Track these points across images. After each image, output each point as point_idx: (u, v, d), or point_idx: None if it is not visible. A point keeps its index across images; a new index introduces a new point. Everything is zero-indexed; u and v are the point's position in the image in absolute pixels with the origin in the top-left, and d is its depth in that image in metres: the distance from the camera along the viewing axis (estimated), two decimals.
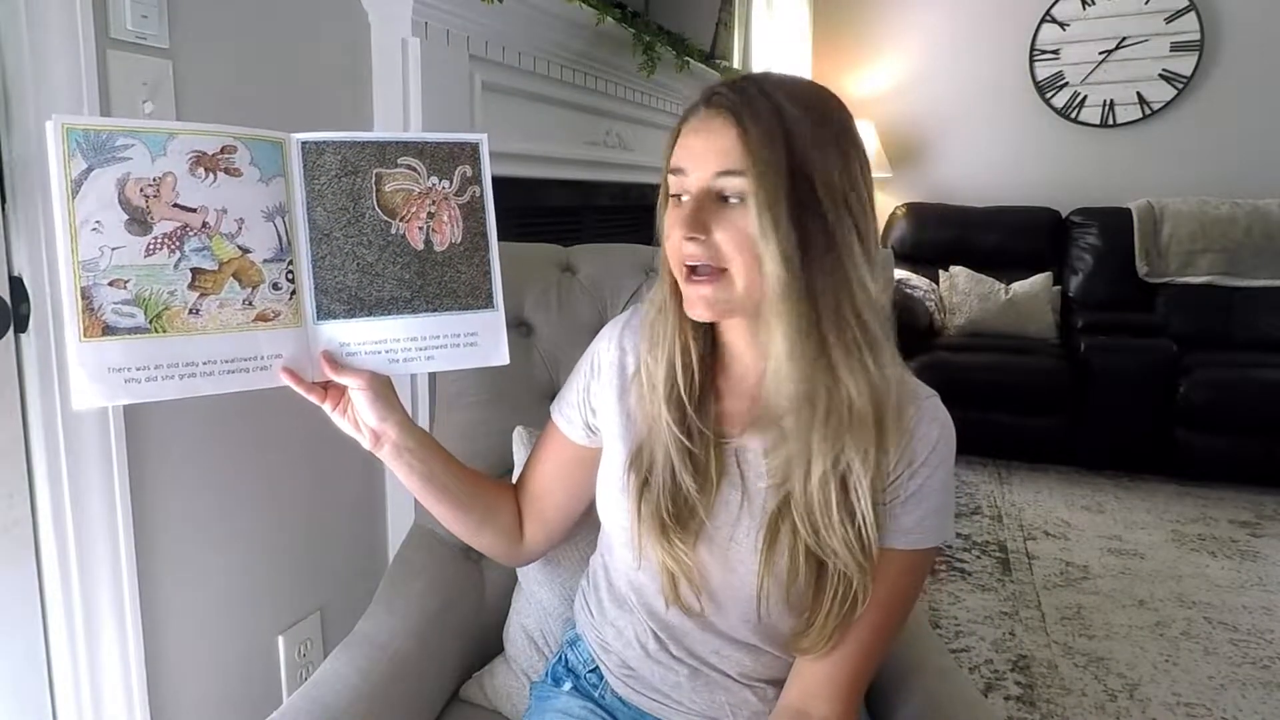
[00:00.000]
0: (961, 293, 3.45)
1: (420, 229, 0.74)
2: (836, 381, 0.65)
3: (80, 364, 0.61)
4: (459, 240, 0.76)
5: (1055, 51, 3.73)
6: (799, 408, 0.66)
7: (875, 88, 4.03)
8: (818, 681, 0.71)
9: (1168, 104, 3.59)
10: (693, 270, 0.68)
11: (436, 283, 0.75)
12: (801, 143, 0.63)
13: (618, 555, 0.80)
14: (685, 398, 0.72)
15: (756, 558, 0.70)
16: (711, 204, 0.66)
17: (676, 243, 0.68)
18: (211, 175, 0.66)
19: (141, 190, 0.63)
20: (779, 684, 0.76)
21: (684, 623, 0.77)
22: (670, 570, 0.71)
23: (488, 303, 0.78)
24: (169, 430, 1.02)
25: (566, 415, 0.85)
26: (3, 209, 0.84)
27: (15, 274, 0.86)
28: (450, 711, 0.97)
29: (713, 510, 0.72)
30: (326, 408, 0.74)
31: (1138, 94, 3.63)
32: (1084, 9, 3.66)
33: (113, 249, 0.62)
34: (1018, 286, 3.41)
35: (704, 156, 0.66)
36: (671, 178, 0.69)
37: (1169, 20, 3.53)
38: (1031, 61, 3.78)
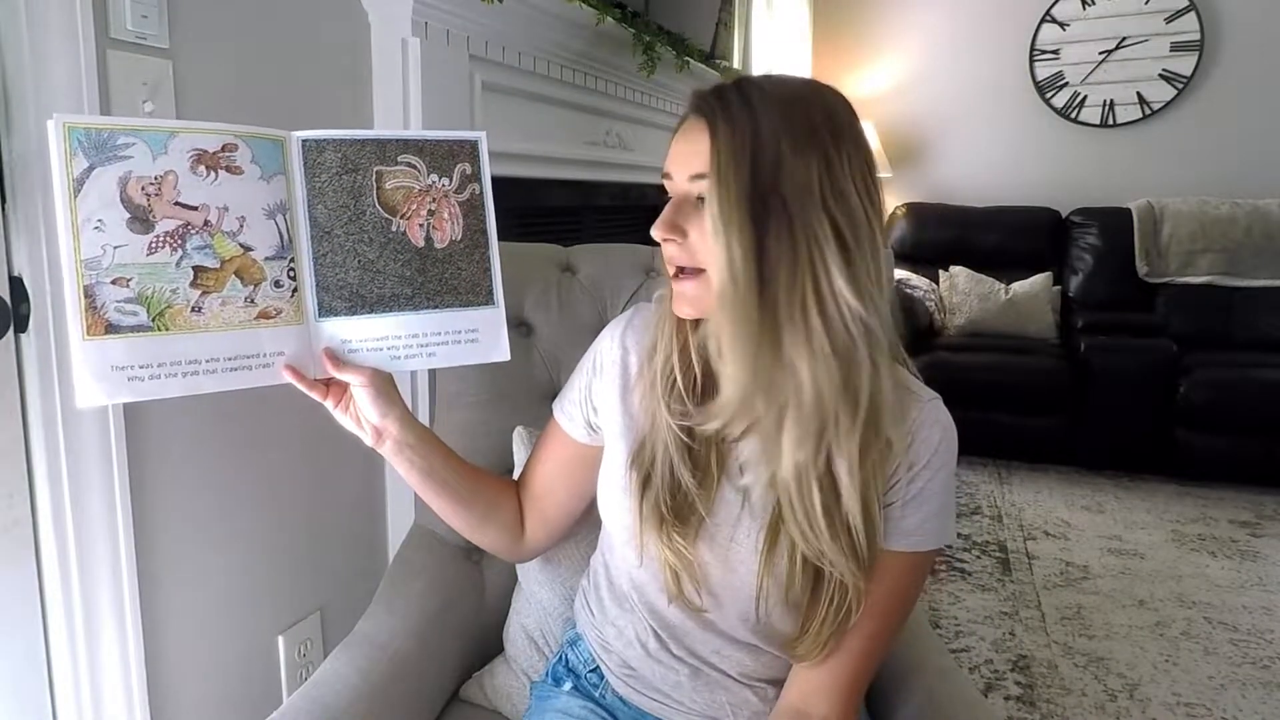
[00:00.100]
0: (961, 293, 3.45)
1: (421, 226, 0.75)
2: (799, 385, 0.64)
3: (83, 362, 0.61)
4: (459, 237, 0.76)
5: (1055, 51, 3.74)
6: (753, 407, 0.66)
7: (875, 88, 4.03)
8: (818, 681, 0.72)
9: (1168, 104, 3.59)
10: (680, 270, 0.69)
11: (437, 280, 0.75)
12: (772, 146, 0.62)
13: (619, 554, 0.80)
14: (685, 394, 0.72)
15: (757, 558, 0.70)
16: (689, 206, 0.67)
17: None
18: (213, 173, 0.66)
19: (143, 189, 0.63)
20: (779, 684, 0.76)
21: (684, 622, 0.77)
22: (672, 565, 0.71)
23: (488, 299, 0.78)
24: (169, 430, 1.02)
25: (568, 413, 0.85)
26: (3, 209, 0.84)
27: (15, 274, 0.86)
28: (450, 711, 0.97)
29: (713, 508, 0.72)
30: (328, 405, 0.74)
31: (1138, 94, 3.63)
32: (1084, 9, 3.66)
33: (115, 247, 0.62)
34: (1018, 286, 3.41)
35: (682, 160, 0.68)
36: (665, 181, 0.71)
37: (1169, 20, 3.53)
38: (1031, 61, 3.78)
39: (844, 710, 0.71)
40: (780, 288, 0.63)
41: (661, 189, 0.72)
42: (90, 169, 0.61)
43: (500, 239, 0.80)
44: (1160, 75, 3.58)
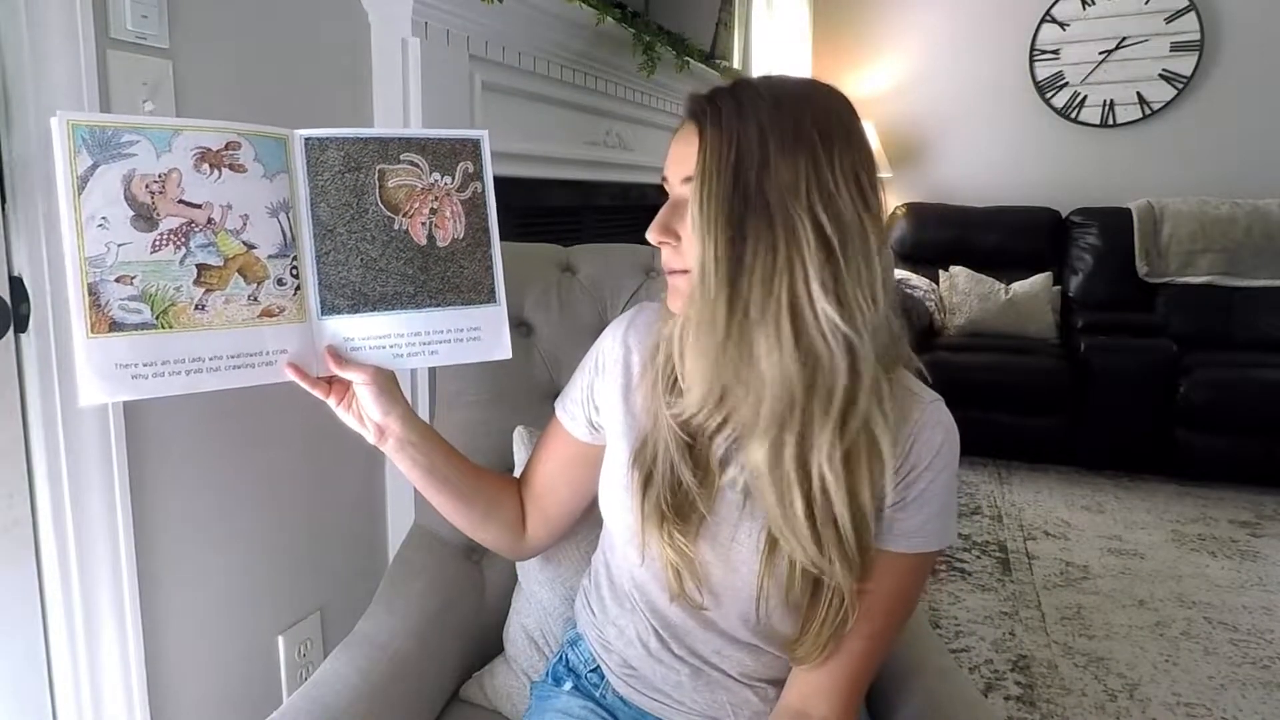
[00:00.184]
0: (961, 293, 3.45)
1: (423, 224, 0.75)
2: (763, 383, 0.64)
3: (87, 360, 0.61)
4: (461, 236, 0.77)
5: (1055, 51, 3.74)
6: (720, 402, 0.67)
7: (875, 88, 4.03)
8: (818, 682, 0.72)
9: (1168, 104, 3.59)
10: (674, 269, 0.70)
11: (439, 278, 0.76)
12: (758, 147, 0.62)
13: (620, 553, 0.80)
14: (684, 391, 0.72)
15: (758, 559, 0.70)
16: (683, 209, 0.68)
17: None
18: (216, 171, 0.66)
19: (147, 186, 0.63)
20: (780, 684, 0.76)
21: (686, 621, 0.77)
22: (673, 563, 0.72)
23: (490, 297, 0.78)
24: (169, 430, 1.02)
25: (570, 412, 0.85)
26: (3, 209, 0.84)
27: (15, 274, 0.86)
28: (450, 711, 0.97)
29: (714, 506, 0.72)
30: (331, 402, 0.75)
31: (1138, 94, 3.63)
32: (1084, 9, 3.66)
33: (119, 245, 0.62)
34: (1018, 286, 3.41)
35: (676, 163, 0.69)
36: (663, 184, 0.72)
37: (1169, 20, 3.53)
38: (1031, 61, 3.78)
39: (844, 711, 0.71)
40: (755, 288, 0.63)
41: (661, 189, 0.72)
42: (94, 166, 0.62)
43: (501, 239, 0.80)
44: (1160, 75, 3.58)
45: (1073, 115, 3.75)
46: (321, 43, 1.20)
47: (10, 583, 0.89)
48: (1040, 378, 3.01)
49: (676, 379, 0.72)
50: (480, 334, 0.78)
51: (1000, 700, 1.70)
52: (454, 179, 0.76)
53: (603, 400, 0.81)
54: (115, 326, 0.62)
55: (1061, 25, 3.71)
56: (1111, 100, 3.67)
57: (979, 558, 2.37)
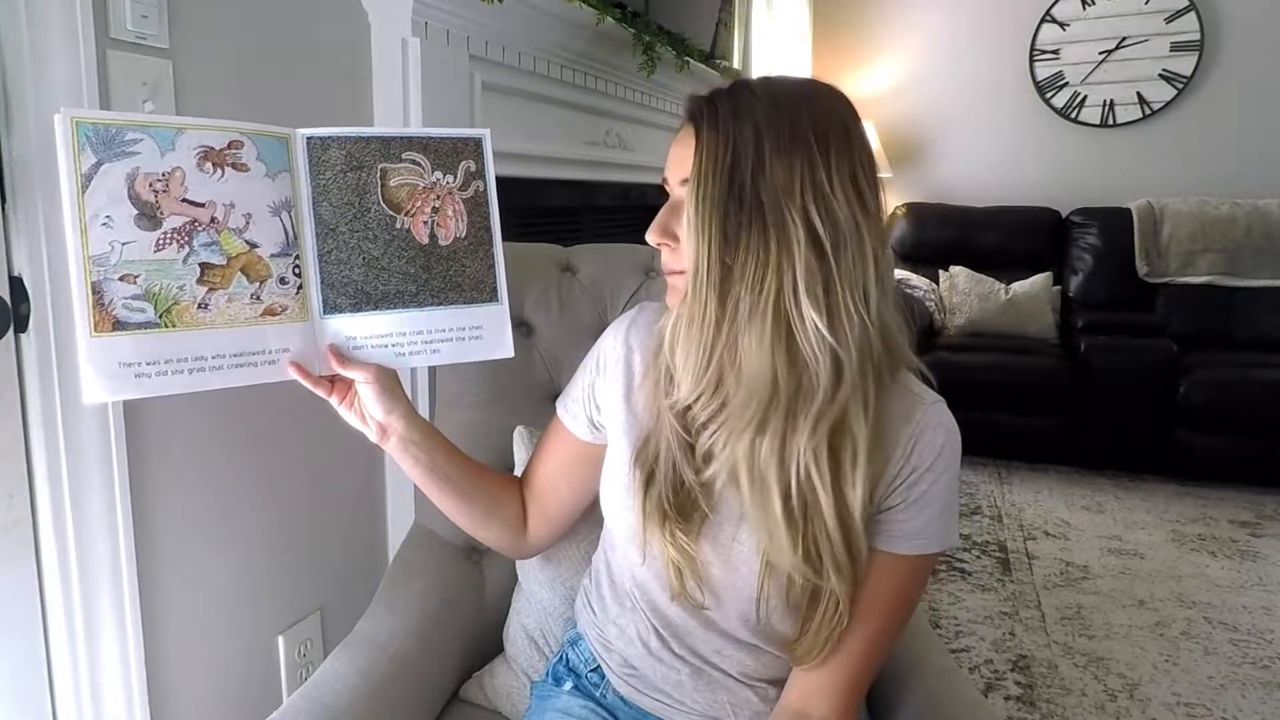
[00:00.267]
0: (961, 293, 3.45)
1: (425, 223, 0.75)
2: (744, 379, 0.65)
3: (90, 359, 0.61)
4: (463, 234, 0.77)
5: (1055, 51, 3.73)
6: (707, 397, 0.68)
7: (875, 88, 4.03)
8: (818, 682, 0.72)
9: (1168, 104, 3.59)
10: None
11: (441, 277, 0.76)
12: (754, 148, 0.63)
13: (621, 552, 0.80)
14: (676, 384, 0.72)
15: (758, 559, 0.70)
16: (681, 209, 0.68)
17: None
18: (219, 170, 0.66)
19: (150, 185, 0.63)
20: (780, 684, 0.76)
21: (686, 620, 0.77)
22: (675, 562, 0.72)
23: (492, 296, 0.78)
24: (169, 430, 1.02)
25: (571, 411, 0.85)
26: (3, 209, 0.84)
27: (15, 274, 0.86)
28: (450, 711, 0.97)
29: (715, 506, 0.72)
30: (333, 401, 0.75)
31: (1138, 94, 3.63)
32: (1084, 9, 3.66)
33: (123, 244, 0.62)
34: (1018, 286, 3.41)
35: (674, 165, 0.70)
36: (664, 185, 0.72)
37: (1169, 20, 3.53)
38: (1031, 61, 3.78)
39: (844, 711, 0.71)
40: (745, 289, 0.63)
41: (662, 190, 0.73)
42: (98, 164, 0.62)
43: (501, 238, 0.80)
44: (1160, 75, 3.58)
45: (1073, 115, 3.75)
46: (321, 43, 1.20)
47: (10, 583, 0.89)
48: (1040, 378, 3.01)
49: (672, 375, 0.73)
50: (482, 333, 0.78)
51: (1000, 700, 1.70)
52: (456, 178, 0.76)
53: (604, 399, 0.81)
54: (119, 325, 0.62)
55: (1061, 25, 3.71)
56: (1111, 100, 3.67)
57: (979, 558, 2.37)
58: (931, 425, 0.70)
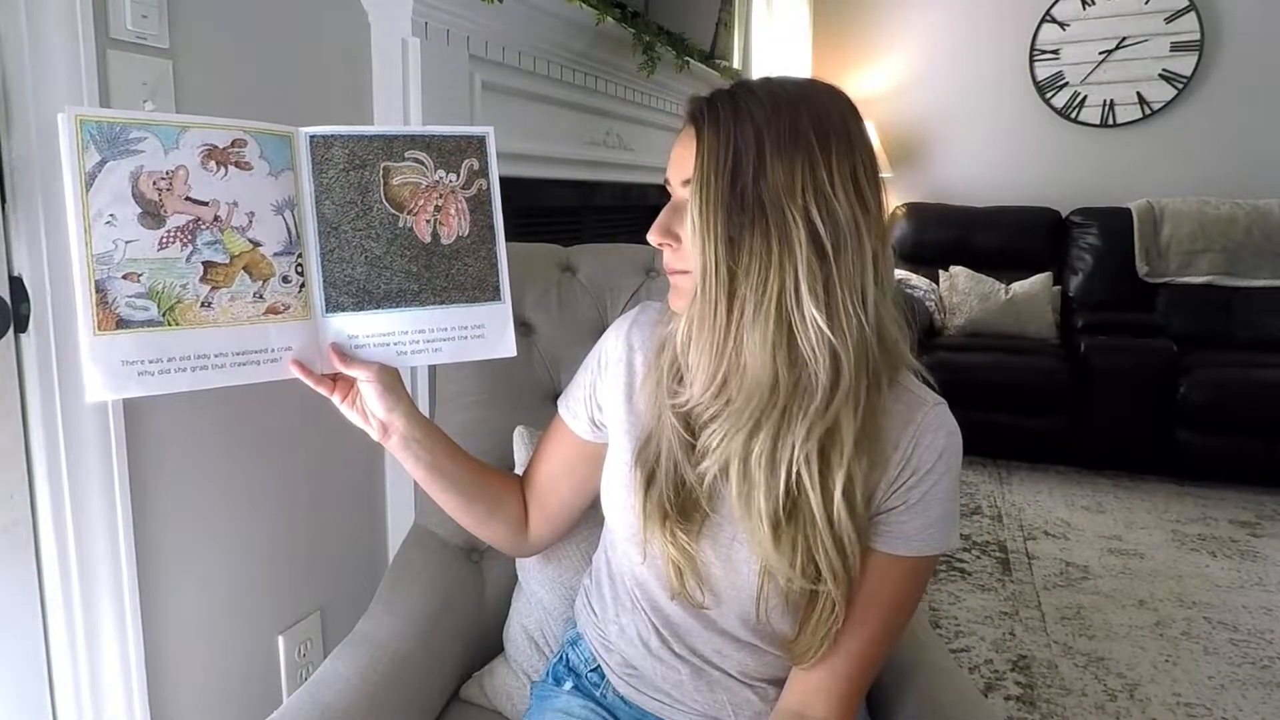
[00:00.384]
0: (961, 293, 3.45)
1: (427, 222, 0.75)
2: (747, 379, 0.65)
3: (93, 357, 0.62)
4: (466, 233, 0.77)
5: (1055, 51, 3.73)
6: (716, 397, 0.68)
7: (875, 88, 4.03)
8: (817, 683, 0.72)
9: (1168, 104, 3.59)
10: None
11: (443, 275, 0.76)
12: (755, 149, 0.63)
13: (621, 551, 0.80)
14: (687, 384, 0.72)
15: (758, 559, 0.70)
16: (683, 211, 0.68)
17: None
18: (223, 169, 0.66)
19: (154, 183, 0.63)
20: (780, 683, 0.76)
21: (686, 620, 0.77)
22: (675, 561, 0.72)
23: (494, 295, 0.78)
24: (169, 430, 1.02)
25: (573, 410, 0.85)
26: (3, 209, 0.84)
27: (15, 274, 0.86)
28: (450, 711, 0.97)
29: (716, 505, 0.72)
30: (335, 399, 0.75)
31: (1138, 94, 3.63)
32: (1084, 9, 3.66)
33: (126, 242, 0.62)
34: (1018, 286, 3.41)
35: (676, 166, 0.70)
36: (666, 186, 0.72)
37: (1169, 20, 3.53)
38: (1031, 61, 3.78)
39: (843, 712, 0.71)
40: (750, 289, 0.64)
41: (663, 189, 0.73)
42: (102, 163, 0.62)
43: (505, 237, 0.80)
44: (1160, 75, 3.58)
45: (1073, 115, 3.75)
46: (321, 43, 1.20)
47: (10, 583, 0.89)
48: (1040, 378, 3.01)
49: (682, 376, 0.73)
50: (484, 331, 0.78)
51: (1000, 700, 1.70)
52: (459, 176, 0.76)
53: (605, 399, 0.81)
54: (122, 324, 0.62)
55: (1061, 25, 3.71)
56: (1111, 100, 3.67)
57: (979, 558, 2.37)
58: (932, 427, 0.70)
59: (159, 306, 0.64)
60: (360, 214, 0.72)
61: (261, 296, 0.68)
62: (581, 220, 2.03)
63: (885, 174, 3.89)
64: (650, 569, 0.77)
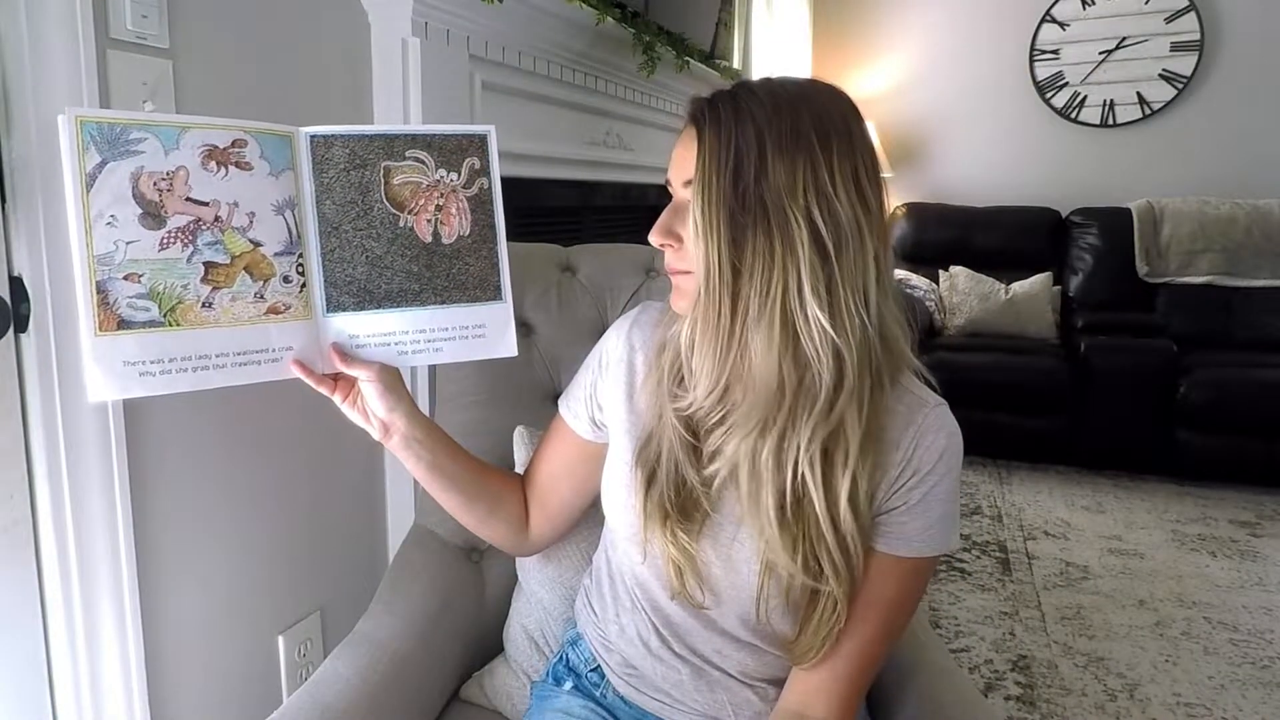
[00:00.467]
0: (961, 293, 3.45)
1: (428, 222, 0.75)
2: (755, 379, 0.65)
3: (94, 358, 0.62)
4: (467, 233, 0.77)
5: (1055, 51, 3.73)
6: (723, 399, 0.68)
7: (875, 88, 4.03)
8: (817, 683, 0.72)
9: (1168, 104, 3.59)
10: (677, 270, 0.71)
11: (444, 275, 0.76)
12: (756, 150, 0.63)
13: (621, 550, 0.80)
14: (688, 386, 0.72)
15: (759, 559, 0.70)
16: (685, 212, 0.68)
17: None
18: (223, 169, 0.66)
19: (155, 184, 0.63)
20: (780, 683, 0.76)
21: (686, 620, 0.77)
22: (675, 560, 0.72)
23: (496, 295, 0.78)
24: (169, 430, 1.02)
25: (574, 410, 0.85)
26: (3, 209, 0.84)
27: (15, 274, 0.86)
28: (450, 711, 0.97)
29: (717, 505, 0.72)
30: (336, 399, 0.75)
31: (1138, 94, 3.63)
32: (1084, 9, 3.66)
33: (127, 243, 0.63)
34: (1018, 286, 3.41)
35: (677, 166, 0.70)
36: (668, 186, 0.72)
37: (1169, 20, 3.53)
38: (1031, 61, 3.78)
39: (842, 712, 0.71)
40: (754, 290, 0.64)
41: (664, 190, 0.73)
42: (103, 164, 0.62)
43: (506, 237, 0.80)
44: (1160, 75, 3.58)
45: (1073, 115, 3.75)
46: (321, 43, 1.20)
47: (10, 583, 0.89)
48: (1040, 378, 3.01)
49: (683, 377, 0.73)
50: (485, 331, 0.78)
51: (1000, 700, 1.70)
52: (460, 175, 0.76)
53: (606, 398, 0.81)
54: (123, 324, 0.62)
55: (1061, 25, 3.71)
56: (1111, 100, 3.67)
57: (979, 558, 2.37)
58: (933, 428, 0.70)
59: (160, 307, 0.64)
60: (361, 214, 0.73)
61: (262, 296, 0.68)
62: (581, 220, 2.03)
63: (885, 174, 3.88)
64: (650, 569, 0.77)
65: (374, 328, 0.73)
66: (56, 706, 0.95)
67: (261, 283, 0.68)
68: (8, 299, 0.85)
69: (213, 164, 0.66)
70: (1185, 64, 3.54)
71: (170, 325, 0.64)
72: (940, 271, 3.56)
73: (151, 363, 0.64)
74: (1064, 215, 3.59)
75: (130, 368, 0.63)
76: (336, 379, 0.74)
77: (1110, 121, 3.69)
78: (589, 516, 0.91)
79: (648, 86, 2.17)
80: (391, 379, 0.76)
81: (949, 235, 3.67)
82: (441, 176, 0.75)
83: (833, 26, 4.02)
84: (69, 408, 0.89)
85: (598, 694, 0.85)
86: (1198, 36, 3.50)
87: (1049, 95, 3.77)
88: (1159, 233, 3.37)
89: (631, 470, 0.75)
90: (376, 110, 1.31)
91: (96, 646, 0.96)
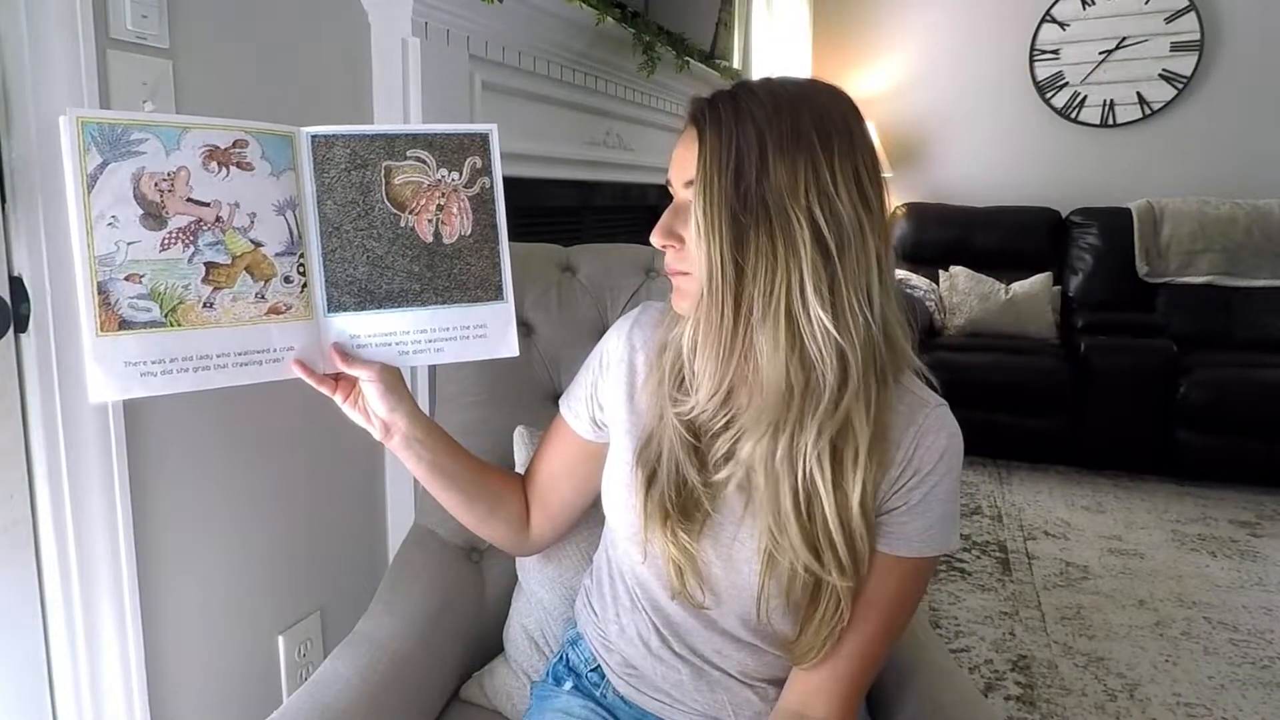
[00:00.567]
0: (961, 293, 3.45)
1: (429, 222, 0.75)
2: (762, 381, 0.65)
3: (96, 358, 0.62)
4: (468, 232, 0.77)
5: (1055, 51, 3.73)
6: (728, 401, 0.69)
7: (875, 88, 4.03)
8: (817, 683, 0.72)
9: (1168, 104, 3.59)
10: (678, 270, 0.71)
11: (445, 275, 0.76)
12: (757, 150, 0.63)
13: (622, 550, 0.80)
14: (690, 389, 0.72)
15: (759, 559, 0.70)
16: (686, 212, 0.68)
17: None
18: (224, 169, 0.66)
19: (156, 185, 0.63)
20: (780, 683, 0.76)
21: (687, 620, 0.77)
22: (675, 560, 0.72)
23: (497, 294, 0.78)
24: (169, 430, 1.02)
25: (574, 410, 0.85)
26: (3, 209, 0.84)
27: (15, 274, 0.86)
28: (450, 711, 0.97)
29: (718, 505, 0.72)
30: (338, 399, 0.75)
31: (1138, 94, 3.63)
32: (1084, 9, 3.66)
33: (128, 244, 0.63)
34: (1018, 286, 3.41)
35: (678, 167, 0.70)
36: (668, 187, 0.72)
37: (1169, 20, 3.53)
38: (1031, 61, 3.78)
39: (842, 712, 0.71)
40: (757, 290, 0.64)
41: (664, 190, 0.73)
42: (104, 164, 0.62)
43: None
44: (1160, 75, 3.58)
45: (1073, 115, 3.75)
46: (321, 43, 1.20)
47: (10, 583, 0.89)
48: (1040, 378, 3.01)
49: (684, 379, 0.73)
50: (486, 331, 0.78)
51: (1000, 700, 1.70)
52: (462, 175, 0.76)
53: (607, 398, 0.81)
54: (124, 325, 0.63)
55: (1061, 25, 3.71)
56: (1111, 100, 3.67)
57: (979, 558, 2.37)
58: (934, 429, 0.70)
59: (161, 307, 0.64)
60: (362, 214, 0.73)
61: (263, 297, 0.68)
62: (581, 220, 2.03)
63: (885, 174, 3.86)
64: (651, 568, 0.77)
65: (375, 328, 0.73)
66: (56, 706, 0.95)
67: (263, 283, 0.68)
68: (8, 299, 0.85)
69: (214, 164, 0.66)
70: (1185, 64, 3.54)
71: (171, 325, 0.64)
72: (940, 271, 3.56)
73: (153, 363, 0.64)
74: (1064, 215, 3.59)
75: (131, 368, 0.63)
76: (337, 379, 0.74)
77: (1110, 121, 3.69)
78: (589, 516, 0.91)
79: (648, 86, 2.17)
80: (392, 379, 0.76)
81: (949, 235, 3.67)
82: (443, 176, 0.75)
83: (833, 26, 4.02)
84: (69, 408, 0.89)
85: (598, 694, 0.85)
86: (1198, 36, 3.50)
87: (1049, 95, 3.77)
88: (1159, 233, 3.37)
89: (632, 470, 0.75)
90: (376, 110, 1.31)
91: (96, 646, 0.96)
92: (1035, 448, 3.08)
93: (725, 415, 0.69)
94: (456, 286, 0.76)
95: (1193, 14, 3.49)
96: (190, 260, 0.65)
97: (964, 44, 3.89)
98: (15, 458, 0.88)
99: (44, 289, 0.86)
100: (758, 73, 2.86)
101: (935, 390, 0.73)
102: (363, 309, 0.73)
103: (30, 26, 0.83)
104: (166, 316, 0.64)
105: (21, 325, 0.86)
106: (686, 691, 0.78)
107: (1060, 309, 3.42)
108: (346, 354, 0.73)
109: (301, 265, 0.70)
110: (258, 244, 0.68)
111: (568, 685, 0.87)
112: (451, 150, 0.76)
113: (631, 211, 2.23)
